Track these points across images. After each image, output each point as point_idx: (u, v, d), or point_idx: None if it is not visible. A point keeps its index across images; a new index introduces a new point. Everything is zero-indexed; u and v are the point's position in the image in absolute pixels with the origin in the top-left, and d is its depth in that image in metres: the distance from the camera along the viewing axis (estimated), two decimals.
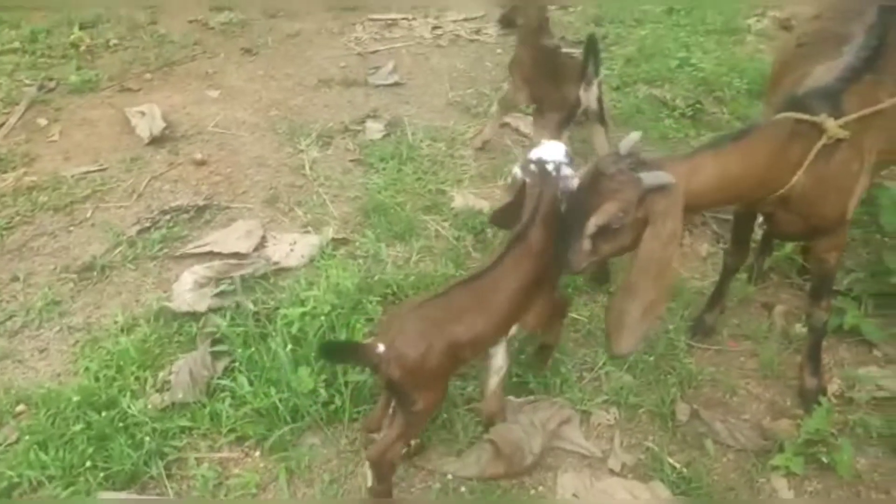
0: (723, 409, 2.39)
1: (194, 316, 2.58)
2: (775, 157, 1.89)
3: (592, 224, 1.81)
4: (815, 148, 1.89)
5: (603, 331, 2.63)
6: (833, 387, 2.45)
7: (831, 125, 1.88)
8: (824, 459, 2.16)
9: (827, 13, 2.31)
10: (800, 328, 2.66)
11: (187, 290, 2.65)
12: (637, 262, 1.79)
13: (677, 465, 2.20)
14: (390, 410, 2.09)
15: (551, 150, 2.21)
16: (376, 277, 2.76)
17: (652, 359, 2.52)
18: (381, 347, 1.91)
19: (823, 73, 2.06)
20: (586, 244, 1.85)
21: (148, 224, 3.09)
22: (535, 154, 2.21)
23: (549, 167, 2.15)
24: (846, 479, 2.15)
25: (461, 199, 3.37)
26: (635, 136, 1.91)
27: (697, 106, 4.11)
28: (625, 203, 1.77)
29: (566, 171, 2.15)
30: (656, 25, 5.26)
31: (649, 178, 1.74)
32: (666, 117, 4.03)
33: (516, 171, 2.25)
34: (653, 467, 2.21)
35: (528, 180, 2.17)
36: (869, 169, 2.07)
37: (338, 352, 2.08)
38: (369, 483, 2.08)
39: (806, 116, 1.89)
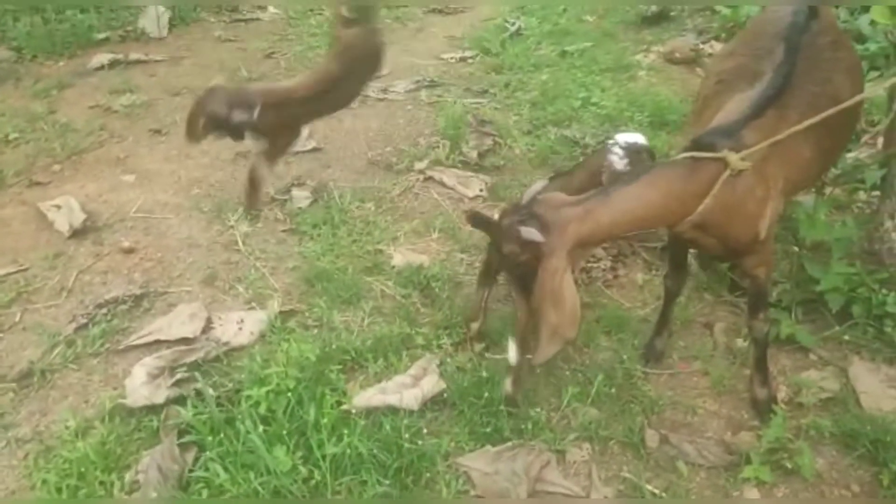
0: (687, 430, 2.50)
1: (153, 409, 2.49)
2: (676, 191, 2.09)
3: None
4: (721, 179, 2.07)
5: (563, 369, 2.73)
6: (781, 394, 2.60)
7: (733, 158, 2.05)
8: (788, 465, 2.29)
9: (740, 50, 2.49)
10: (741, 343, 2.83)
11: (141, 383, 2.56)
12: (535, 290, 2.00)
13: (656, 491, 2.28)
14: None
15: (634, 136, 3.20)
16: (334, 346, 2.75)
17: (613, 390, 2.62)
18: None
19: (734, 108, 2.24)
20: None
21: (84, 320, 2.97)
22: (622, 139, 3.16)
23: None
24: (810, 481, 2.29)
25: (400, 256, 3.41)
26: (538, 186, 2.46)
27: (607, 141, 4.32)
28: (513, 247, 2.08)
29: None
30: (554, 69, 5.52)
31: (525, 233, 2.02)
32: (580, 155, 4.22)
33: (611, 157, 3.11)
34: (633, 496, 2.28)
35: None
36: (778, 194, 2.25)
37: (480, 223, 2.47)
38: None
39: (707, 154, 2.08)
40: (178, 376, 2.60)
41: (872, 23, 4.11)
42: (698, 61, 5.64)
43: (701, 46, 5.83)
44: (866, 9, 4.75)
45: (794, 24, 2.30)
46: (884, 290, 2.63)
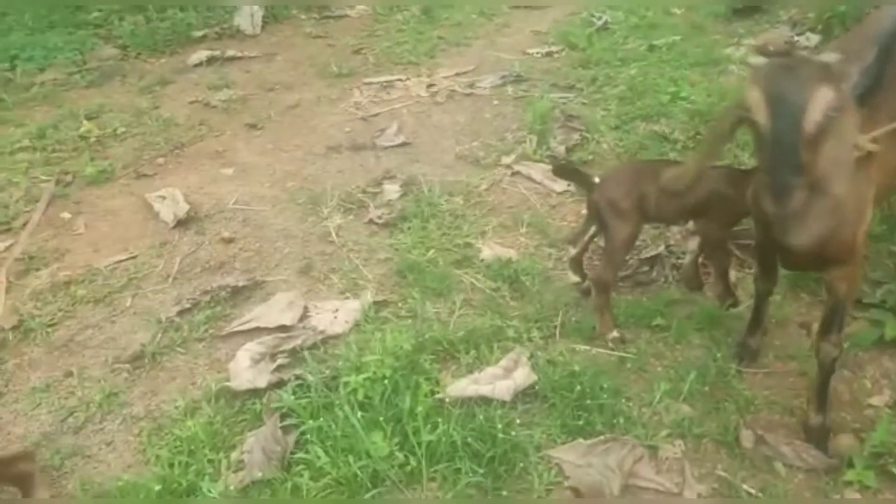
0: (784, 431, 2.46)
1: (256, 393, 2.61)
2: None
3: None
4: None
5: (654, 366, 2.71)
6: (885, 397, 2.53)
7: (861, 139, 1.99)
8: (893, 470, 2.23)
9: (839, 51, 2.39)
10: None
11: (245, 367, 2.68)
12: None
13: (752, 491, 2.25)
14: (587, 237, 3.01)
15: None
16: (427, 336, 2.81)
17: (706, 388, 2.59)
18: (597, 179, 2.87)
19: None
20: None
21: (189, 306, 3.12)
22: None
23: None
24: None
25: (489, 250, 3.45)
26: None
27: (697, 136, 4.26)
28: None
29: None
30: (641, 63, 5.44)
31: None
32: (669, 150, 4.16)
33: None
34: (728, 495, 2.26)
35: None
36: (871, 201, 2.21)
37: (567, 172, 3.23)
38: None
39: None
40: (279, 362, 2.72)
41: None
42: (793, 55, 5.45)
43: (796, 39, 5.63)
44: None
45: (891, 30, 2.21)
46: None
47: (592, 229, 2.99)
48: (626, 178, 2.87)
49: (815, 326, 2.85)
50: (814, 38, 5.59)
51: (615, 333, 2.83)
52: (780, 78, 1.80)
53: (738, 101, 1.84)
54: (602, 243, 2.97)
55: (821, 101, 1.73)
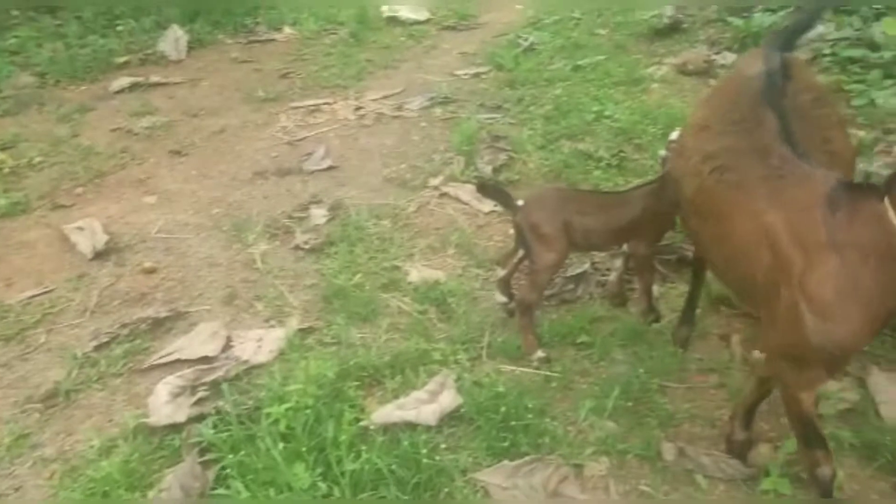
0: (705, 443, 2.50)
1: (175, 428, 2.53)
2: None
3: None
4: None
5: (579, 383, 2.74)
6: None
7: None
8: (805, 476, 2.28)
9: (717, 125, 2.23)
10: (757, 354, 2.82)
11: (164, 402, 2.60)
12: None
13: None
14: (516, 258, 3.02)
15: None
16: (351, 362, 2.78)
17: (630, 403, 2.62)
18: (520, 202, 2.89)
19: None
20: None
21: (107, 340, 3.02)
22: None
23: None
24: None
25: (416, 272, 3.45)
26: None
27: (621, 154, 4.35)
28: None
29: None
30: (567, 83, 5.55)
31: None
32: (594, 169, 4.24)
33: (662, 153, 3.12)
34: None
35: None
36: None
37: (491, 191, 3.21)
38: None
39: None
40: (200, 395, 2.65)
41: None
42: (711, 72, 5.64)
43: (713, 57, 5.82)
44: (879, 17, 4.76)
45: (771, 89, 2.14)
46: None
47: (521, 251, 3.01)
48: (550, 203, 2.91)
49: (735, 338, 2.95)
50: (730, 57, 5.79)
51: (540, 353, 2.85)
52: None
53: None
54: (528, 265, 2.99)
55: None
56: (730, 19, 6.20)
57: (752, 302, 2.32)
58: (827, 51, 5.18)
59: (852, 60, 4.95)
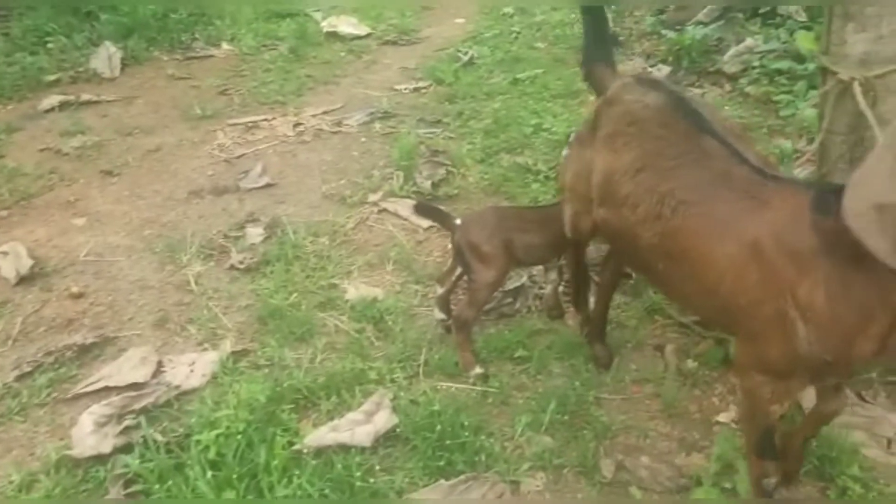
0: (640, 454, 2.51)
1: (100, 459, 2.44)
2: None
3: None
4: None
5: (516, 398, 2.73)
6: (731, 414, 2.63)
7: None
8: (728, 485, 2.31)
9: (658, 163, 2.17)
10: (691, 363, 2.86)
11: (88, 432, 2.51)
12: None
13: None
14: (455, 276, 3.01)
15: None
16: (285, 385, 2.73)
17: (566, 417, 2.63)
18: (458, 221, 2.91)
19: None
20: None
21: (30, 369, 2.91)
22: None
23: None
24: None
25: (354, 290, 3.41)
26: None
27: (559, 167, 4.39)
28: None
29: None
30: (506, 97, 5.59)
31: None
32: (532, 182, 4.27)
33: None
34: None
35: None
36: None
37: (428, 212, 3.27)
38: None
39: None
40: (127, 423, 2.56)
41: None
42: None
43: (649, 70, 5.94)
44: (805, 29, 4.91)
45: (697, 115, 2.13)
46: None
47: (459, 269, 3.00)
48: (489, 221, 2.90)
49: (670, 348, 2.99)
50: (664, 70, 5.91)
51: (478, 370, 2.84)
52: None
53: None
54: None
55: None
56: (664, 32, 6.33)
57: (725, 326, 2.33)
58: (756, 63, 5.33)
59: (779, 72, 5.10)
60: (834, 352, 1.81)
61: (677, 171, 2.08)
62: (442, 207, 3.89)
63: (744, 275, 1.93)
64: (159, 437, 2.46)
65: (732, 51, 5.63)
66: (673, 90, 2.26)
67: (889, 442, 2.44)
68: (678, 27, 6.32)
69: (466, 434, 2.51)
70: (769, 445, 2.12)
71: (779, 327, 1.87)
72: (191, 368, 2.90)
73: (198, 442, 2.38)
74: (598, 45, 2.75)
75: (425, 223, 3.93)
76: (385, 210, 4.12)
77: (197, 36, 6.99)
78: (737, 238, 1.94)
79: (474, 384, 2.81)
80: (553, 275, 3.19)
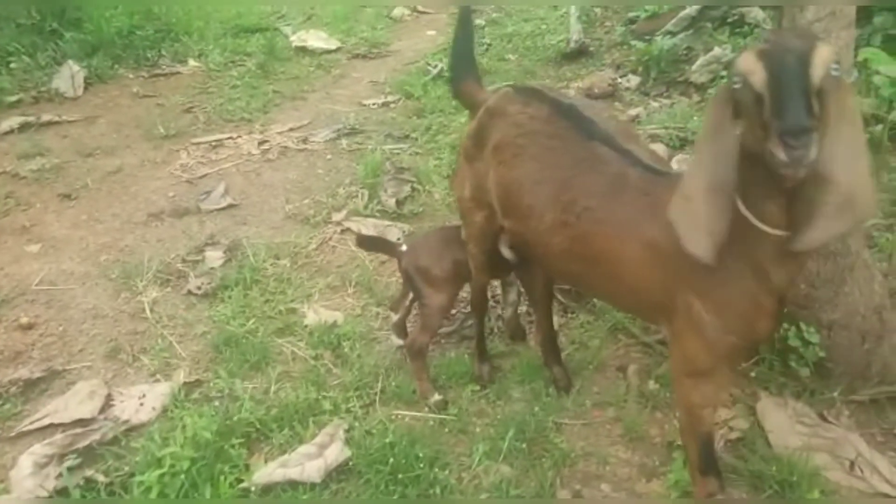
0: (600, 482, 2.45)
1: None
2: None
3: None
4: None
5: (474, 426, 2.66)
6: None
7: None
8: None
9: (556, 175, 2.17)
10: (653, 385, 2.80)
11: (27, 474, 2.42)
12: None
13: None
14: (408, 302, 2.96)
15: None
16: (235, 418, 2.64)
17: (524, 445, 2.56)
18: (404, 247, 2.87)
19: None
20: None
21: None
22: None
23: None
24: None
25: (314, 314, 3.34)
26: None
27: None
28: None
29: None
30: None
31: None
32: None
33: None
34: None
35: None
36: None
37: (371, 244, 3.30)
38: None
39: None
40: (69, 463, 2.47)
41: None
42: (616, 95, 5.72)
43: (619, 80, 5.91)
44: None
45: (586, 122, 2.15)
46: (785, 325, 2.63)
47: (410, 295, 2.94)
48: (436, 245, 2.84)
49: (632, 369, 2.93)
50: (634, 80, 5.88)
51: (436, 397, 2.77)
52: (777, 40, 1.59)
53: (730, 74, 1.65)
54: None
55: (823, 54, 1.52)
56: (633, 42, 6.30)
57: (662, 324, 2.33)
58: (724, 72, 5.30)
59: None
60: (738, 333, 1.89)
61: (576, 180, 2.11)
62: (409, 225, 3.85)
63: (651, 272, 1.98)
64: (101, 478, 2.38)
65: (701, 60, 5.60)
66: (555, 98, 2.26)
67: (852, 464, 2.38)
68: (647, 37, 6.29)
69: (421, 466, 2.43)
70: (711, 459, 2.11)
71: (689, 320, 1.93)
72: (141, 402, 2.81)
73: (140, 483, 2.29)
74: (466, 61, 2.79)
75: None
76: (348, 230, 4.05)
77: (163, 53, 6.89)
78: (638, 237, 1.99)
79: (432, 412, 2.73)
80: (513, 296, 3.14)
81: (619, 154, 2.07)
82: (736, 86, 1.58)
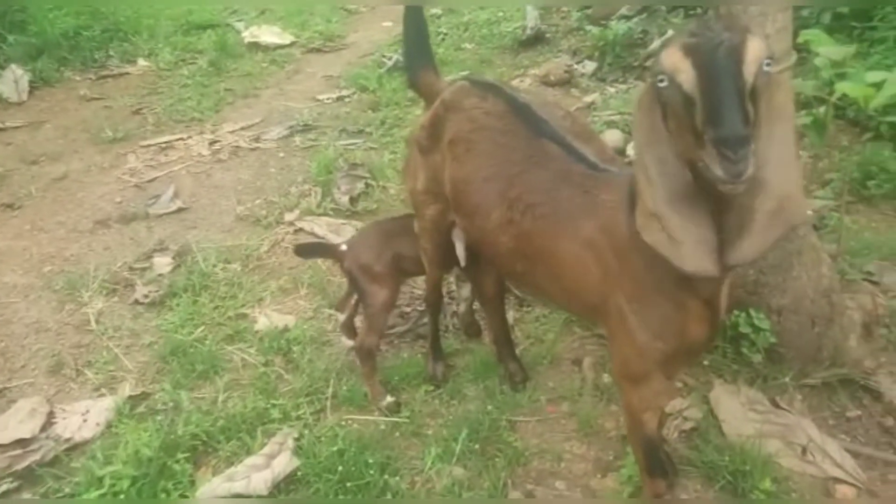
0: (554, 479, 2.41)
1: None
2: None
3: None
4: None
5: (427, 427, 2.61)
6: None
7: None
8: None
9: (504, 171, 2.12)
10: (607, 378, 2.77)
11: None
12: None
13: None
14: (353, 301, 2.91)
15: None
16: (180, 431, 2.56)
17: (478, 446, 2.52)
18: (344, 247, 2.77)
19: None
20: None
21: None
22: None
23: None
24: None
25: (265, 319, 3.26)
26: None
27: None
28: None
29: None
30: None
31: None
32: None
33: None
34: None
35: None
36: None
37: (310, 251, 3.21)
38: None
39: None
40: (5, 487, 2.39)
41: None
42: (572, 82, 5.68)
43: (575, 67, 5.87)
44: None
45: (537, 119, 2.10)
46: (735, 312, 2.61)
47: (355, 294, 2.88)
48: (374, 240, 2.79)
49: (587, 362, 2.90)
50: (590, 66, 5.85)
51: (388, 399, 2.72)
52: (705, 33, 1.41)
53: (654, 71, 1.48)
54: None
55: (756, 49, 1.39)
56: (588, 28, 6.26)
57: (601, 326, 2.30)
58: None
59: None
60: (665, 339, 1.80)
61: (523, 176, 2.06)
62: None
63: (586, 272, 1.93)
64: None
65: (655, 44, 5.58)
66: (510, 94, 2.21)
67: (804, 449, 2.37)
68: (603, 22, 6.26)
69: (371, 472, 2.38)
70: (656, 461, 2.08)
71: (621, 324, 1.86)
72: (84, 418, 2.73)
73: None
74: (421, 50, 2.73)
75: (339, 238, 3.80)
76: (301, 230, 3.97)
77: (112, 53, 6.75)
78: (576, 235, 1.93)
79: (384, 416, 2.68)
80: (466, 291, 3.09)
81: (565, 151, 2.02)
82: (661, 84, 1.44)
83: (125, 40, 6.97)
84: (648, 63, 5.54)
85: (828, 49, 2.44)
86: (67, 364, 3.06)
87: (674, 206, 1.52)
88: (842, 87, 2.35)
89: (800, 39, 2.56)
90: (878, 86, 2.32)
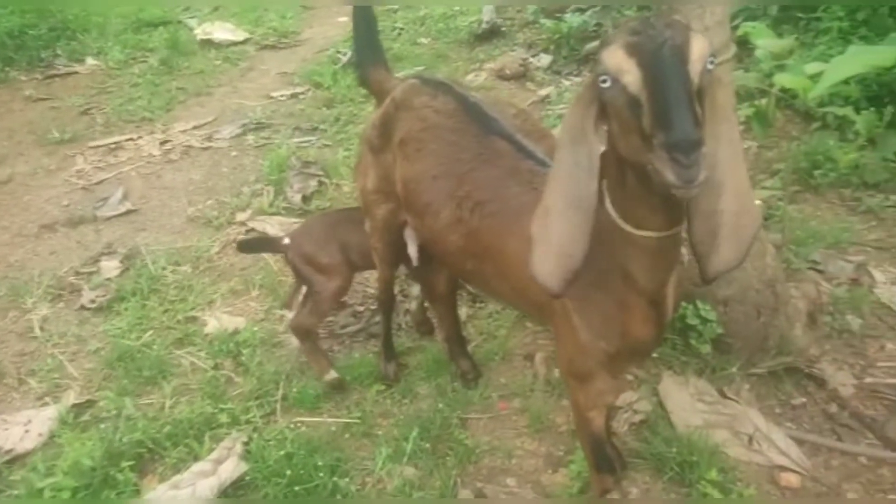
0: (505, 476, 2.41)
1: None
2: None
3: None
4: None
5: (378, 427, 2.59)
6: None
7: None
8: None
9: (453, 169, 2.11)
10: (558, 372, 2.77)
11: None
12: None
13: None
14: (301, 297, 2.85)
15: None
16: (125, 439, 2.51)
17: (429, 444, 2.50)
18: (286, 240, 2.76)
19: None
20: None
21: None
22: None
23: None
24: None
25: (215, 321, 3.21)
26: None
27: None
28: None
29: None
30: None
31: None
32: None
33: None
34: None
35: None
36: None
37: (253, 246, 3.22)
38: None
39: None
40: None
41: None
42: (528, 75, 5.68)
43: (530, 60, 5.87)
44: None
45: (486, 117, 2.09)
46: (683, 304, 2.62)
47: (303, 289, 2.85)
48: (319, 231, 2.76)
49: (539, 357, 2.90)
50: (546, 59, 5.86)
51: (332, 374, 2.72)
52: (647, 32, 1.34)
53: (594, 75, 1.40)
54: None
55: (700, 47, 1.34)
56: (542, 21, 6.27)
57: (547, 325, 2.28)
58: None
59: None
60: (608, 339, 1.78)
61: (472, 174, 2.04)
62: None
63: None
64: None
65: (595, 43, 5.59)
66: (461, 92, 2.20)
67: (750, 439, 2.39)
68: (558, 15, 6.27)
69: (321, 475, 2.36)
70: (603, 457, 2.07)
71: (564, 322, 1.85)
72: (26, 429, 2.66)
73: None
74: (371, 47, 2.71)
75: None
76: (253, 230, 3.91)
77: (59, 52, 6.58)
78: (520, 232, 1.85)
79: (333, 417, 2.66)
80: (416, 289, 3.07)
81: (515, 148, 2.00)
82: (604, 85, 1.35)
83: (73, 39, 6.81)
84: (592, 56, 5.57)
85: (767, 42, 2.46)
86: (9, 373, 2.99)
87: (564, 212, 1.49)
88: (780, 79, 2.37)
89: (740, 32, 2.58)
90: (815, 77, 2.35)
